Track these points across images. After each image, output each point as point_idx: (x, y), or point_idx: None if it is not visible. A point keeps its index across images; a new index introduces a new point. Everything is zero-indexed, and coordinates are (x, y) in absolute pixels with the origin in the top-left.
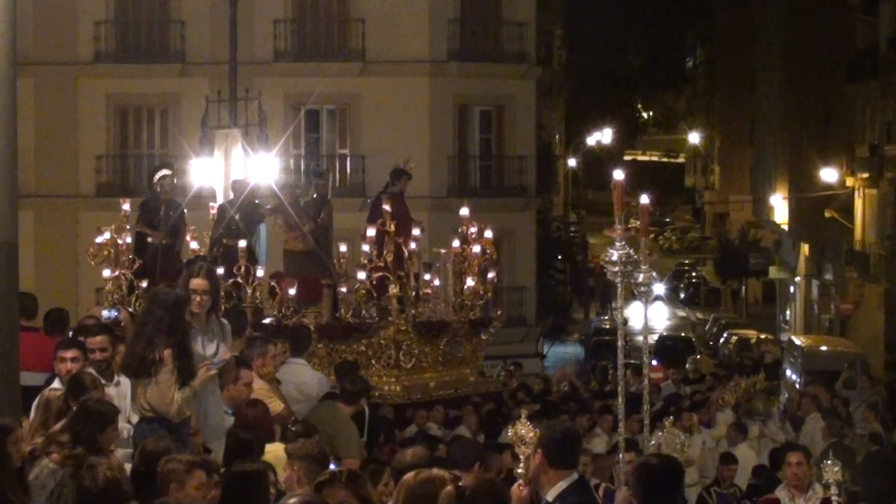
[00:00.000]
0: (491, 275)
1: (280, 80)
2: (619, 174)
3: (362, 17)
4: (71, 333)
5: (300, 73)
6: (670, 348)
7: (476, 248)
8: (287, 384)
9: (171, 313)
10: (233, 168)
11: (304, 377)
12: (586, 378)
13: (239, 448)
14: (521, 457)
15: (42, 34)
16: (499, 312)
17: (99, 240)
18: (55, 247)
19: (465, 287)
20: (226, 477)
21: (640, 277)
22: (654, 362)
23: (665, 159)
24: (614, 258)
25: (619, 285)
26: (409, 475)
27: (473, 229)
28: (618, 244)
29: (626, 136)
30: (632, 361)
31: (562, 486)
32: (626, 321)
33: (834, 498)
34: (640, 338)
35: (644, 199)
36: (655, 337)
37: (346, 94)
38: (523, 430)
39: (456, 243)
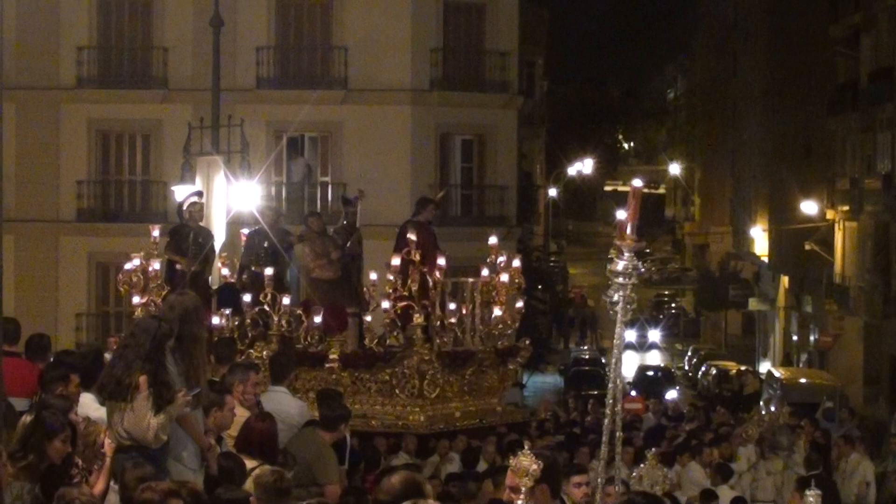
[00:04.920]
0: (519, 304)
1: (262, 108)
2: (637, 182)
3: (345, 45)
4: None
5: (283, 100)
6: (650, 379)
7: (504, 277)
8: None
9: (153, 342)
10: (215, 195)
11: (285, 405)
12: (565, 408)
13: (221, 475)
14: (523, 489)
15: (24, 59)
16: (527, 342)
17: (128, 266)
18: (36, 271)
19: (493, 316)
20: None
21: (615, 297)
22: (634, 393)
23: (645, 190)
24: (619, 268)
25: (620, 299)
26: None
27: (502, 258)
28: (626, 254)
29: (607, 167)
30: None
31: None
32: (622, 343)
33: None
34: (614, 369)
35: (637, 182)
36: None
37: (328, 122)
38: (526, 462)
39: (485, 272)
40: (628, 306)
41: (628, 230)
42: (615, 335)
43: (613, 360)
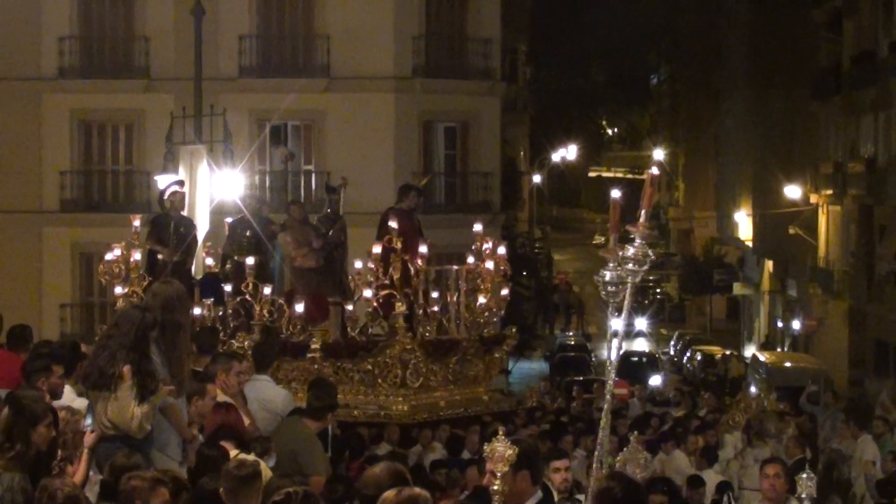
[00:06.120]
0: (504, 291)
1: (245, 96)
2: (654, 169)
3: (327, 33)
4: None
5: (265, 88)
6: (634, 365)
7: (489, 265)
8: (251, 401)
9: (136, 332)
10: (198, 184)
11: (269, 394)
12: (551, 394)
13: (205, 464)
14: (499, 474)
15: (6, 50)
16: (514, 330)
17: (109, 257)
18: (19, 262)
19: (478, 304)
20: (194, 494)
21: (608, 276)
22: (616, 378)
23: (630, 176)
24: (630, 254)
25: (628, 284)
26: (391, 493)
27: (488, 246)
28: (638, 241)
29: (591, 153)
30: (602, 378)
31: (531, 503)
32: (589, 336)
33: None
34: (606, 352)
35: (654, 169)
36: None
37: (311, 110)
38: (500, 447)
39: (470, 259)
40: (614, 290)
41: (642, 217)
42: (612, 319)
43: (614, 346)
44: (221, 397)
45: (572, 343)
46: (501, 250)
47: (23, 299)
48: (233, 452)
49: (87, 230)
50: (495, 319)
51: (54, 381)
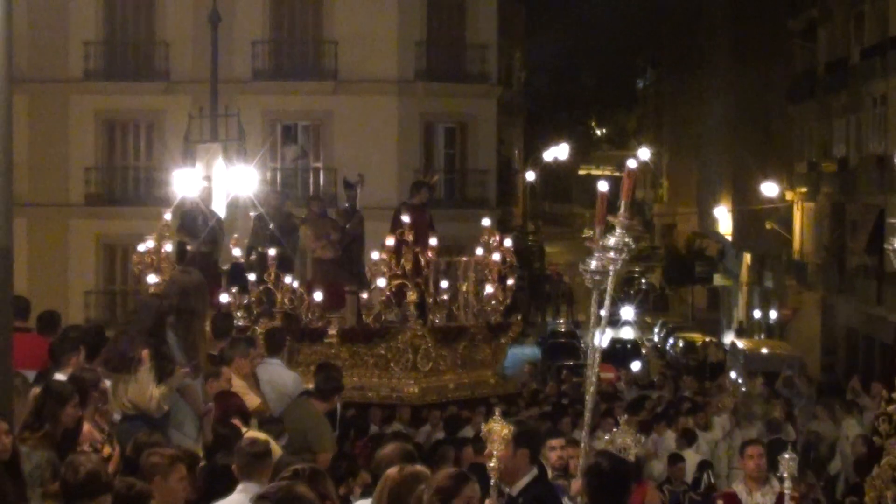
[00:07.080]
0: (510, 281)
1: (258, 98)
2: (632, 162)
3: (335, 39)
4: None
5: (277, 91)
6: (619, 350)
7: (496, 257)
8: (264, 383)
9: (155, 318)
10: (214, 180)
11: (280, 376)
12: (543, 378)
13: (219, 442)
14: (496, 453)
15: (35, 54)
16: (519, 318)
17: (141, 248)
18: (47, 252)
19: (485, 293)
20: (207, 469)
21: (593, 265)
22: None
23: (617, 174)
24: (611, 243)
25: (610, 273)
26: (393, 470)
27: (495, 238)
28: (618, 231)
29: (580, 152)
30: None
31: (525, 480)
32: (578, 324)
33: (788, 491)
34: (593, 338)
35: (631, 163)
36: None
37: (319, 111)
38: (497, 426)
39: (479, 251)
40: (599, 278)
41: (622, 208)
42: (594, 306)
43: (597, 331)
44: (235, 379)
45: (563, 330)
46: (508, 243)
47: (50, 287)
48: (244, 430)
49: (110, 223)
50: (501, 308)
51: (79, 363)
